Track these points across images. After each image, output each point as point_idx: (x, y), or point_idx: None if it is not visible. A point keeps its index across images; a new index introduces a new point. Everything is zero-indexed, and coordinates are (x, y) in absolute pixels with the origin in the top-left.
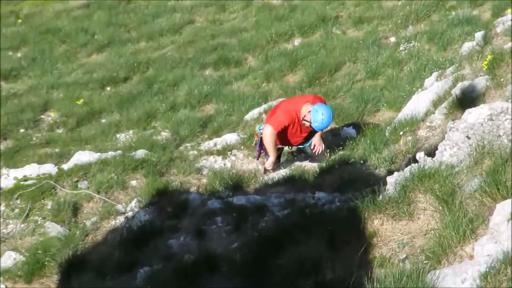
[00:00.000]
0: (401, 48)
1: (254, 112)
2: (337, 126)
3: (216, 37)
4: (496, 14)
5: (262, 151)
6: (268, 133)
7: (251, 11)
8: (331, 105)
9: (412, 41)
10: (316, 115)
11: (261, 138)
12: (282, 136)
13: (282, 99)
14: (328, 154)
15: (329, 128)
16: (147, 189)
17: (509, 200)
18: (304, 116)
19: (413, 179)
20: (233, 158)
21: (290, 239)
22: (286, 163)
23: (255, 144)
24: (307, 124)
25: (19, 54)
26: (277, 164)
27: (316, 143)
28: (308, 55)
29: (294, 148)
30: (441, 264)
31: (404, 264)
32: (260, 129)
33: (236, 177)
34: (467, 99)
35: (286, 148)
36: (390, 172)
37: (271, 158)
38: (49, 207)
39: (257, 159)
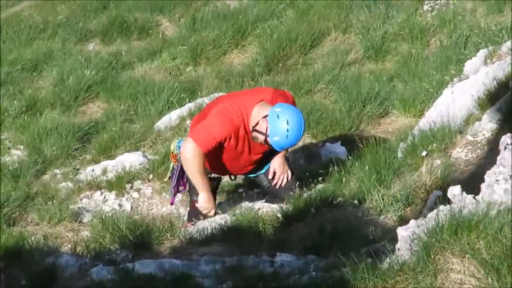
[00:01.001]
0: (425, 7)
1: (172, 116)
2: (314, 140)
3: None
4: None
5: (183, 186)
6: (189, 154)
7: None
8: (304, 105)
9: None
10: (276, 123)
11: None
12: (218, 159)
13: (221, 94)
14: (299, 188)
15: (299, 144)
16: None
17: None
18: (256, 124)
19: (442, 231)
20: (135, 195)
21: None
22: (226, 205)
23: (172, 173)
24: (261, 138)
25: None
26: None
27: (278, 170)
28: (266, 18)
29: (240, 177)
30: None
31: None
32: (179, 147)
33: (140, 229)
34: None
35: (226, 178)
36: (404, 221)
37: (202, 195)
38: None
39: (173, 196)
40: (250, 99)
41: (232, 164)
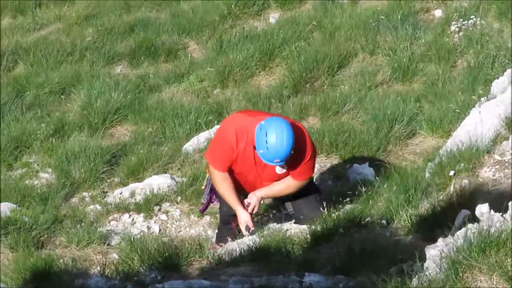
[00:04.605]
0: (452, 28)
1: (200, 139)
2: (342, 162)
3: (134, 9)
4: None
5: (214, 199)
6: (212, 178)
7: None
8: (331, 127)
9: (472, 17)
10: (259, 136)
11: None
12: (233, 176)
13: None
14: (326, 209)
15: (327, 165)
16: (16, 270)
17: None
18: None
19: (470, 250)
20: (163, 217)
21: None
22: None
23: (207, 181)
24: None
25: None
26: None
27: (251, 204)
28: (293, 40)
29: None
30: None
31: None
32: None
33: (169, 250)
34: None
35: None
36: (432, 240)
37: (240, 213)
38: None
39: (205, 205)
40: (256, 117)
41: (245, 182)
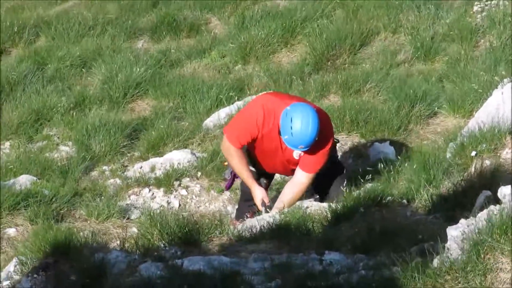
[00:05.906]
0: (475, 8)
1: (221, 114)
2: (363, 140)
3: None
4: None
5: (236, 177)
6: (225, 152)
7: None
8: (353, 105)
9: None
10: (284, 121)
11: None
12: (253, 155)
13: (270, 91)
14: (347, 187)
15: (348, 144)
16: (36, 243)
17: None
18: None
19: (492, 231)
20: (183, 192)
21: None
22: (274, 203)
23: (227, 164)
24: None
25: None
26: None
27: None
28: (315, 17)
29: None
30: None
31: None
32: None
33: (189, 225)
34: None
35: (277, 177)
36: (452, 220)
37: (255, 190)
38: None
39: (230, 181)
40: (284, 101)
41: (267, 163)
